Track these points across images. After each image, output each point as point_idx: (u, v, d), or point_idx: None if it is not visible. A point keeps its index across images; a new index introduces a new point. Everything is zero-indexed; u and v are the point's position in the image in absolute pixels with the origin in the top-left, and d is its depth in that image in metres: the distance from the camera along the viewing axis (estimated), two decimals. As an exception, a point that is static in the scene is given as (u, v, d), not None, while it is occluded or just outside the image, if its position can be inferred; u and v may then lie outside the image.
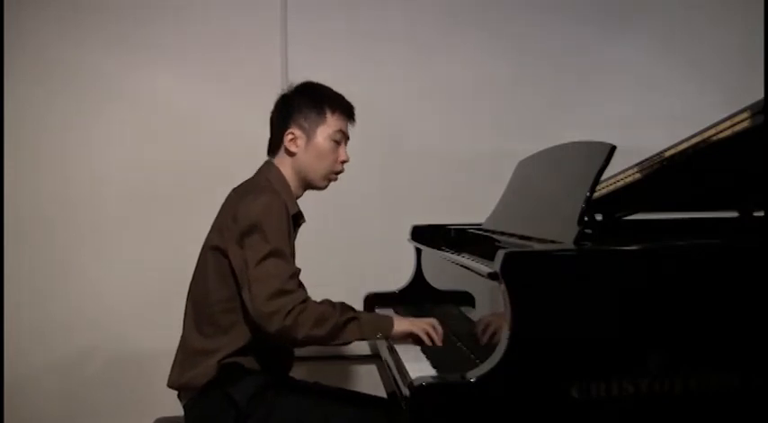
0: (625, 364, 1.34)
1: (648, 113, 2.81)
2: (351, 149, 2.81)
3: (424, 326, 1.72)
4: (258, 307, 1.58)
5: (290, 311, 1.56)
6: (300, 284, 2.03)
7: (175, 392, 1.77)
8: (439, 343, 1.71)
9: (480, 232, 2.09)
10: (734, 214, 1.94)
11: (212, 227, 1.78)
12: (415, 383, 1.33)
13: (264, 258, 1.60)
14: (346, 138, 1.87)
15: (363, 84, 2.77)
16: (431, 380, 1.34)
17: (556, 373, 1.32)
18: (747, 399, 1.37)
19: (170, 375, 1.75)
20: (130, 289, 2.64)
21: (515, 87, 2.82)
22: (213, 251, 1.71)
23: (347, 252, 2.70)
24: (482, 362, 1.35)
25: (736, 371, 1.36)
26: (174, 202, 2.64)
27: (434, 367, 1.56)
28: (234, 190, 1.81)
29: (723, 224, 1.94)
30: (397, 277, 2.35)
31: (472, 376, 1.31)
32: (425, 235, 2.29)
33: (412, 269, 2.33)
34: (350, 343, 1.66)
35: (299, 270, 1.96)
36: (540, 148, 2.03)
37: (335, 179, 1.87)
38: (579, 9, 2.85)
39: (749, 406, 1.37)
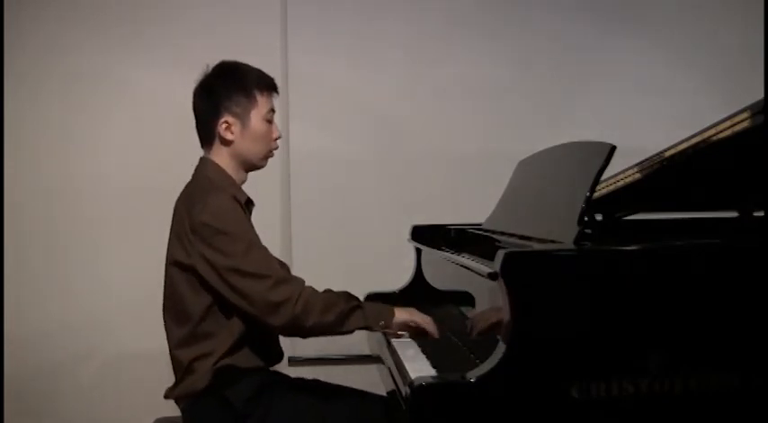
0: (625, 364, 1.34)
1: (648, 113, 2.82)
2: (351, 150, 2.84)
3: (424, 316, 1.75)
4: (263, 301, 1.57)
5: (298, 298, 1.57)
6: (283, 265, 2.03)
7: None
8: (436, 336, 1.73)
9: (480, 232, 2.09)
10: (734, 214, 1.94)
11: (169, 239, 1.73)
12: (415, 383, 1.32)
13: (246, 254, 1.59)
14: (274, 112, 1.81)
15: (363, 85, 2.78)
16: (431, 380, 1.34)
17: (556, 373, 1.32)
18: (747, 399, 1.37)
19: (168, 388, 1.75)
20: (131, 289, 2.64)
21: (515, 88, 2.83)
22: (177, 267, 1.67)
23: (347, 252, 2.70)
24: (482, 362, 1.35)
25: (736, 371, 1.36)
26: (174, 203, 2.64)
27: (434, 367, 1.56)
28: (178, 199, 1.76)
29: (723, 224, 1.94)
30: (397, 277, 2.35)
31: (472, 376, 1.31)
32: (425, 235, 2.29)
33: (412, 269, 2.33)
34: (352, 332, 1.66)
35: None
36: (540, 149, 2.03)
37: (272, 156, 1.83)
38: (579, 9, 2.85)
39: (749, 406, 1.37)
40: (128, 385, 2.63)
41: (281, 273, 1.62)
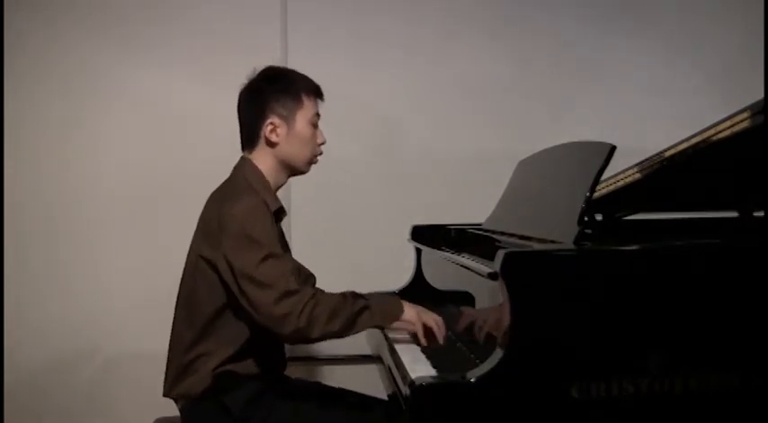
0: (625, 364, 1.34)
1: (648, 113, 2.81)
2: (351, 150, 2.84)
3: (428, 322, 1.70)
4: (268, 312, 1.55)
5: (302, 311, 1.55)
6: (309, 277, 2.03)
7: (174, 394, 1.77)
8: (441, 342, 1.70)
9: (480, 232, 2.09)
10: (734, 214, 1.94)
11: (196, 231, 1.74)
12: (416, 383, 1.33)
13: (261, 263, 1.57)
14: (319, 117, 1.82)
15: (364, 85, 2.77)
16: (431, 380, 1.34)
17: (556, 373, 1.32)
18: (747, 399, 1.37)
19: (164, 384, 1.74)
20: (131, 288, 2.65)
21: (515, 88, 2.82)
22: (201, 260, 1.67)
23: (347, 252, 2.70)
24: (482, 362, 1.35)
25: (736, 371, 1.36)
26: (174, 202, 2.64)
27: (434, 367, 1.56)
28: (212, 194, 1.76)
29: (723, 224, 1.94)
30: (397, 277, 2.35)
31: (472, 376, 1.31)
32: (425, 235, 2.29)
33: (412, 269, 2.33)
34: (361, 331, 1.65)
35: (299, 265, 1.95)
36: (540, 148, 2.03)
37: (316, 162, 1.84)
38: (579, 9, 2.85)
39: (749, 406, 1.37)
40: (128, 385, 2.63)
41: (289, 285, 1.58)
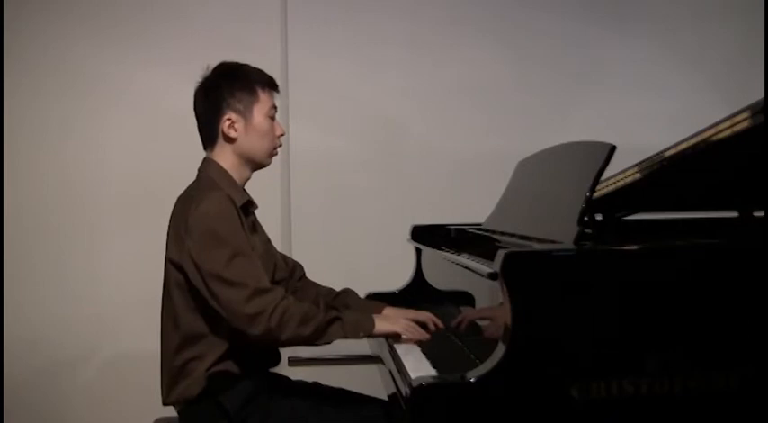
0: (625, 364, 1.34)
1: (648, 113, 2.82)
2: (351, 150, 2.84)
3: (406, 325, 1.72)
4: (238, 311, 1.55)
5: (273, 311, 1.55)
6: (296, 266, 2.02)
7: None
8: (423, 337, 1.72)
9: (480, 232, 2.09)
10: (734, 214, 1.94)
11: (167, 236, 1.72)
12: (415, 384, 1.32)
13: (229, 262, 1.57)
14: (276, 110, 1.81)
15: (364, 85, 2.78)
16: (431, 380, 1.34)
17: (556, 373, 1.32)
18: (747, 399, 1.37)
19: (161, 391, 1.73)
20: (130, 289, 2.64)
21: (515, 87, 2.83)
22: (170, 264, 1.67)
23: (347, 252, 2.70)
24: (482, 362, 1.35)
25: (736, 371, 1.36)
26: (173, 204, 2.64)
27: (434, 367, 1.56)
28: (180, 196, 1.76)
29: (723, 224, 1.94)
30: (397, 277, 2.35)
31: (472, 376, 1.31)
32: (425, 235, 2.29)
33: (412, 269, 2.33)
34: (331, 343, 1.65)
35: (282, 255, 1.94)
36: (540, 148, 2.03)
37: (277, 154, 1.82)
38: (579, 9, 2.85)
39: (748, 406, 1.37)
40: (128, 385, 2.63)
41: (260, 283, 1.59)
